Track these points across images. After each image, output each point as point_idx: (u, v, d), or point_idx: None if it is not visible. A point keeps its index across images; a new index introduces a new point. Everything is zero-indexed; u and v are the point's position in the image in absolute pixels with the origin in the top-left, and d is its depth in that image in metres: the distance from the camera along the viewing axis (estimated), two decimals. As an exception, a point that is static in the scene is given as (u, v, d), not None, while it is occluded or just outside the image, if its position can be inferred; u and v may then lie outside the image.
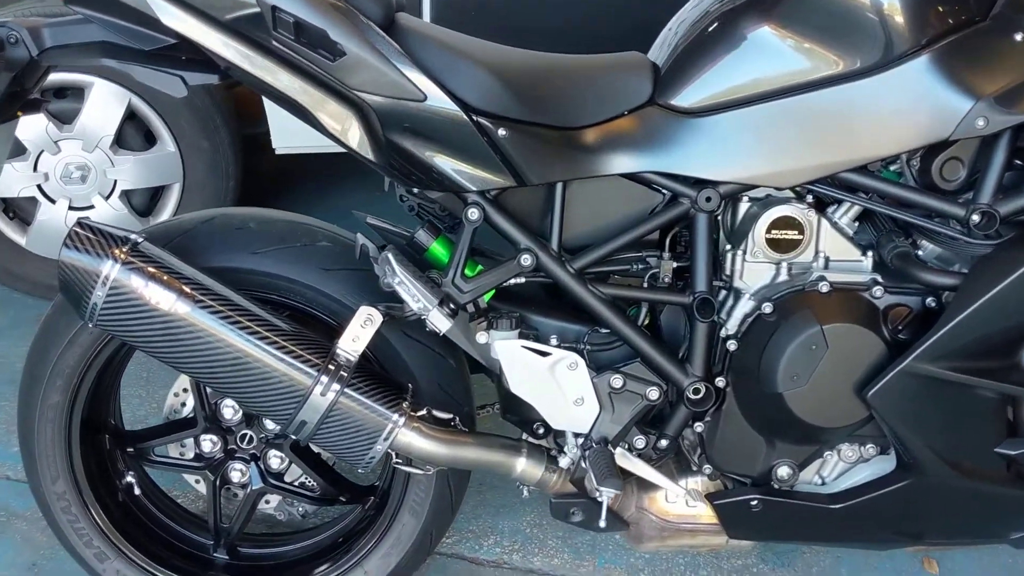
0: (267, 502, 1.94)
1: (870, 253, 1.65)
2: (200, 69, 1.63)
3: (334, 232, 1.80)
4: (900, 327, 1.59)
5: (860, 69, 1.56)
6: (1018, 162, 1.60)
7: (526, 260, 1.61)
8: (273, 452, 1.86)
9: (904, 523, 1.74)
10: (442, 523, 1.89)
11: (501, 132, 1.57)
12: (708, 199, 1.62)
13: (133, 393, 2.70)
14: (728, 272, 1.67)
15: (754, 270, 1.66)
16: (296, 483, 1.90)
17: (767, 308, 1.61)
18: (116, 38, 1.61)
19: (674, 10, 1.87)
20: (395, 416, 1.60)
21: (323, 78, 1.52)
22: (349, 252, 1.76)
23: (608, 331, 1.69)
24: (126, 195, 3.05)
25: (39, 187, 3.00)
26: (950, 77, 1.53)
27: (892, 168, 1.66)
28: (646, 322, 1.74)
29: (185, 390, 1.89)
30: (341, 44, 1.49)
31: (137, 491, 1.91)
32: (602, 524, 1.65)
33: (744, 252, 1.65)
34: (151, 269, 1.54)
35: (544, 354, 1.65)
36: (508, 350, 1.63)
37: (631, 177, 1.65)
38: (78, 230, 1.54)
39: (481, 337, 1.67)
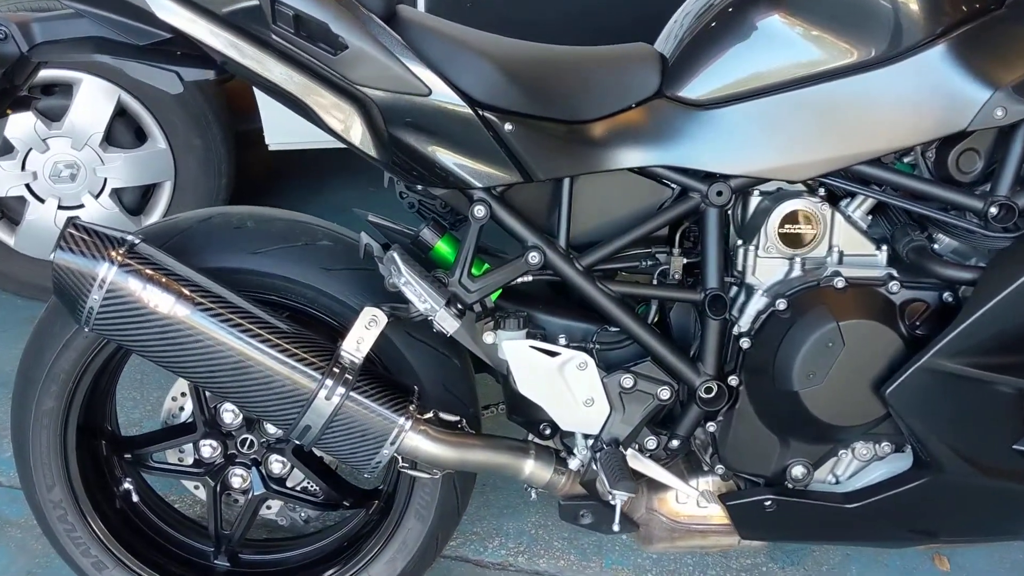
0: (268, 507, 1.89)
1: (884, 247, 1.62)
2: (196, 64, 1.58)
3: (335, 231, 1.75)
4: (917, 323, 1.56)
5: (874, 59, 1.52)
6: (1037, 153, 1.57)
7: (534, 258, 1.57)
8: (275, 457, 1.82)
9: (920, 521, 1.71)
10: (448, 526, 1.85)
11: (507, 127, 1.53)
12: (719, 193, 1.59)
13: (127, 395, 2.65)
14: (740, 268, 1.64)
15: (767, 266, 1.62)
16: (298, 488, 1.86)
17: (781, 305, 1.57)
18: (109, 33, 1.56)
19: (675, 1, 1.84)
20: (401, 419, 1.56)
21: (324, 72, 1.48)
22: (351, 251, 1.72)
23: (617, 330, 1.65)
24: (116, 194, 2.99)
25: (27, 186, 2.94)
26: (967, 66, 1.49)
27: (906, 160, 1.62)
28: (655, 320, 1.70)
29: (183, 394, 1.85)
30: (343, 37, 1.44)
31: (135, 498, 1.86)
32: (615, 528, 1.61)
33: (756, 247, 1.61)
34: (149, 271, 1.49)
35: (553, 354, 1.61)
36: (516, 350, 1.59)
37: (639, 171, 1.61)
38: (72, 231, 1.49)
39: (488, 337, 1.63)
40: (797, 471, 1.68)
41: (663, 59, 1.65)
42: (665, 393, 1.64)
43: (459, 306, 1.54)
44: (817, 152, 1.56)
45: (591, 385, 1.62)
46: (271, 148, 3.13)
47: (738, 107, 1.57)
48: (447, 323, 1.53)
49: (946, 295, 1.58)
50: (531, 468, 1.69)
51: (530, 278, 1.61)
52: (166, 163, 3.00)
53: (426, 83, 1.48)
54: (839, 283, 1.57)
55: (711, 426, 1.67)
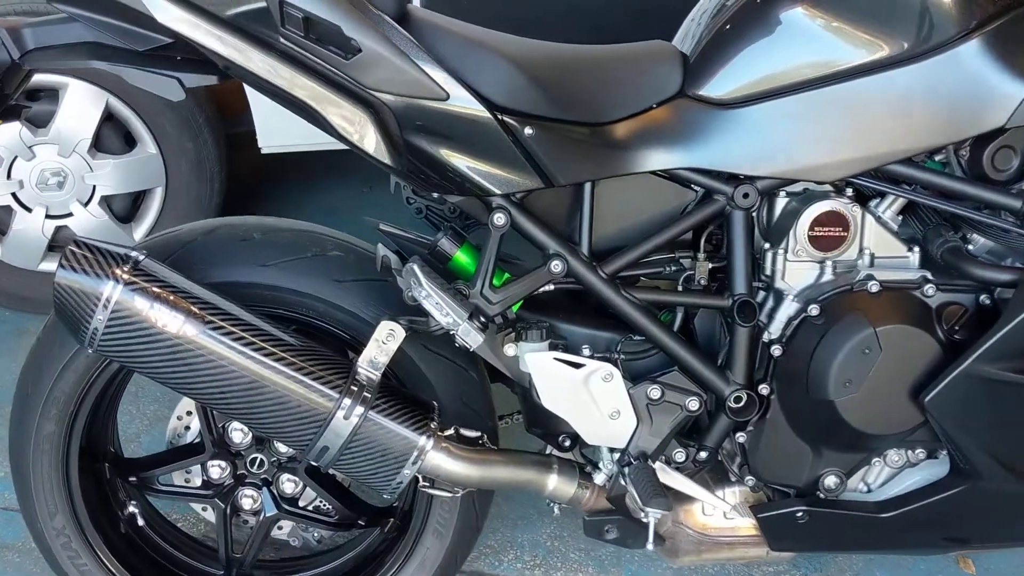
0: (280, 527, 1.83)
1: (916, 249, 1.57)
2: (197, 70, 1.52)
3: (345, 240, 1.68)
4: (956, 327, 1.51)
5: (906, 54, 1.47)
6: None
7: (556, 266, 1.51)
8: (286, 476, 1.75)
9: (955, 529, 1.67)
10: (467, 543, 1.79)
11: (528, 131, 1.46)
12: (745, 195, 1.53)
13: (122, 409, 2.54)
14: (768, 272, 1.58)
15: (797, 270, 1.56)
16: (311, 507, 1.79)
17: (814, 310, 1.52)
18: (104, 38, 1.49)
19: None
20: (423, 438, 1.50)
21: (335, 77, 1.41)
22: (362, 262, 1.65)
23: (642, 338, 1.59)
24: (106, 201, 2.90)
25: (14, 195, 2.84)
26: (1003, 61, 1.45)
27: (937, 158, 1.57)
28: (679, 328, 1.64)
29: (189, 413, 1.78)
30: (356, 40, 1.38)
31: (140, 521, 1.79)
32: (650, 547, 1.55)
33: (785, 251, 1.56)
34: (155, 289, 1.42)
35: (577, 365, 1.54)
36: (539, 363, 1.53)
37: (661, 174, 1.55)
38: (74, 249, 1.42)
39: (509, 349, 1.57)
40: (830, 481, 1.62)
41: (684, 57, 1.59)
42: (694, 404, 1.58)
43: (482, 319, 1.48)
44: (848, 151, 1.50)
45: (617, 397, 1.56)
46: (264, 152, 3.06)
47: (764, 105, 1.52)
48: (470, 337, 1.47)
49: (983, 297, 1.53)
50: (554, 484, 1.63)
51: (551, 287, 1.55)
52: (157, 169, 2.91)
53: (444, 87, 1.41)
54: (873, 287, 1.51)
55: (740, 436, 1.61)
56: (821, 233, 1.54)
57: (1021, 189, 1.49)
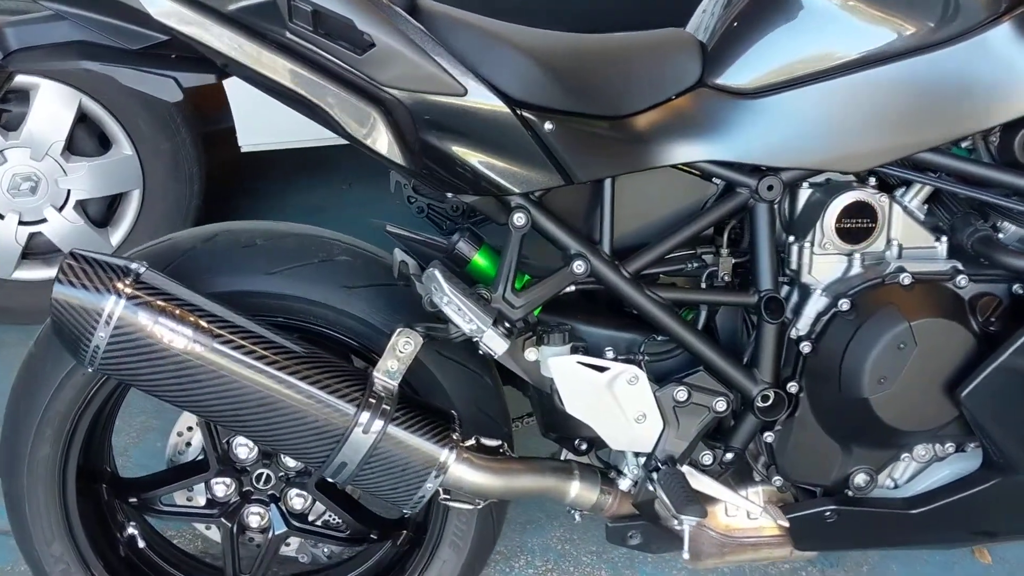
0: (287, 544, 1.75)
1: (944, 238, 1.53)
2: (194, 68, 1.44)
3: (351, 244, 1.61)
4: (992, 319, 1.47)
5: (936, 40, 1.43)
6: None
7: (579, 267, 1.45)
8: (294, 492, 1.67)
9: (984, 523, 1.63)
10: (484, 555, 1.73)
11: (547, 126, 1.40)
12: (770, 187, 1.48)
13: (108, 422, 2.48)
14: (794, 267, 1.53)
15: (824, 263, 1.52)
16: (319, 522, 1.72)
17: (844, 305, 1.47)
18: (94, 37, 1.40)
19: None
20: (445, 450, 1.43)
21: (346, 74, 1.34)
22: (371, 266, 1.58)
23: (665, 339, 1.54)
24: (81, 205, 2.79)
25: (-16, 201, 2.73)
26: None
27: (964, 144, 1.53)
28: (702, 327, 1.59)
29: (190, 428, 1.69)
30: (369, 34, 1.30)
31: (141, 543, 1.71)
32: (686, 556, 1.50)
33: (812, 244, 1.51)
34: (160, 302, 1.34)
35: (601, 369, 1.48)
36: (563, 367, 1.47)
37: (682, 168, 1.50)
38: (71, 262, 1.34)
39: (530, 354, 1.51)
40: (860, 479, 1.58)
41: (702, 46, 1.53)
42: (721, 405, 1.53)
43: (507, 325, 1.42)
44: (877, 140, 1.46)
45: (643, 400, 1.50)
46: (244, 150, 2.96)
47: (788, 94, 1.47)
48: (495, 344, 1.40)
49: (1016, 287, 1.49)
50: (577, 490, 1.58)
51: (572, 288, 1.49)
52: (133, 170, 2.80)
53: (461, 82, 1.35)
54: (906, 279, 1.47)
55: (768, 436, 1.57)
56: (849, 225, 1.50)
57: (1053, 175, 1.46)
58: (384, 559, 1.78)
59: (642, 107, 1.48)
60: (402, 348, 1.43)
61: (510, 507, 2.20)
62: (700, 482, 1.54)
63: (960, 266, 1.50)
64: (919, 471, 1.63)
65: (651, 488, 1.51)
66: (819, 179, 1.54)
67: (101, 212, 2.85)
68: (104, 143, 2.78)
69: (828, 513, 1.60)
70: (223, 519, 1.66)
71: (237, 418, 1.39)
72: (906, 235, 1.52)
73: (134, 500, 1.67)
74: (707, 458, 1.57)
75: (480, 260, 1.50)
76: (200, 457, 1.67)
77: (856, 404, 1.48)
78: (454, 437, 1.45)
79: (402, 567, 1.72)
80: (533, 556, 2.10)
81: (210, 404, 1.38)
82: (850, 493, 1.60)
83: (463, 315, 1.38)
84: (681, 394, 1.52)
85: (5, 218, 2.74)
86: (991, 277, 1.49)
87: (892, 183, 1.55)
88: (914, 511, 1.59)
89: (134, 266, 1.36)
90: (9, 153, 2.68)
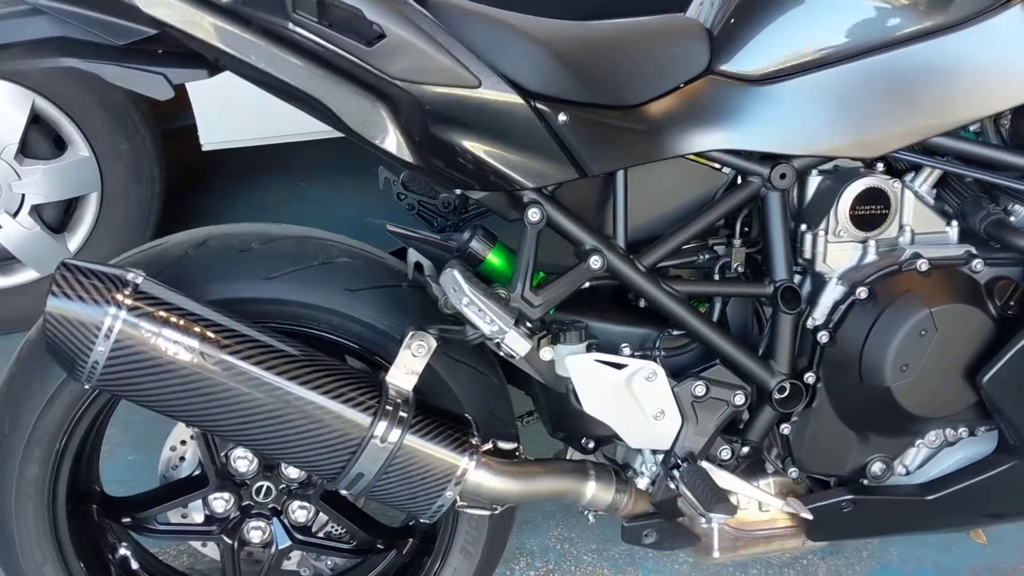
0: (288, 558, 1.68)
1: (955, 223, 1.52)
2: (184, 64, 1.35)
3: (349, 245, 1.55)
4: (1010, 302, 1.46)
5: (950, 22, 1.41)
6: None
7: (596, 262, 1.41)
8: (296, 504, 1.60)
9: (995, 506, 1.63)
10: (495, 559, 1.68)
11: (561, 118, 1.36)
12: (783, 176, 1.46)
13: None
14: (808, 256, 1.51)
15: (839, 251, 1.50)
16: (322, 534, 1.66)
17: (862, 293, 1.45)
18: (75, 32, 1.32)
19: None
20: (465, 457, 1.38)
21: (352, 67, 1.27)
22: (372, 268, 1.52)
23: (680, 333, 1.51)
24: (36, 210, 2.67)
25: (-65, 210, 2.60)
26: None
27: (972, 128, 1.52)
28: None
29: (183, 442, 1.61)
30: (379, 25, 1.24)
31: (135, 565, 1.62)
32: (716, 554, 1.47)
33: (826, 232, 1.49)
34: (162, 312, 1.27)
35: (619, 366, 1.44)
36: (581, 366, 1.43)
37: (693, 158, 1.46)
38: (65, 273, 1.26)
39: (546, 353, 1.46)
40: (876, 467, 1.57)
41: (708, 32, 1.50)
42: (740, 398, 1.50)
43: (528, 324, 1.37)
44: (890, 126, 1.44)
45: (662, 396, 1.46)
46: (205, 149, 2.87)
47: (799, 80, 1.45)
48: (518, 345, 1.35)
49: (1029, 269, 1.49)
50: (593, 490, 1.53)
51: (587, 285, 1.45)
52: (91, 173, 2.70)
53: (476, 73, 1.29)
54: (923, 266, 1.46)
55: (784, 428, 1.54)
56: (863, 212, 1.48)
57: (1065, 157, 1.45)
58: (388, 569, 1.72)
59: (652, 96, 1.44)
60: (416, 352, 1.38)
61: (506, 508, 2.17)
62: (722, 478, 1.50)
63: (974, 250, 1.49)
64: (929, 457, 1.62)
65: (672, 486, 1.47)
66: (827, 166, 1.52)
67: (58, 217, 2.75)
68: (60, 145, 2.67)
69: (845, 503, 1.58)
70: (223, 536, 1.59)
71: (246, 431, 1.32)
72: (918, 221, 1.51)
73: (127, 520, 1.58)
74: (725, 453, 1.54)
75: (494, 259, 1.45)
76: (197, 472, 1.59)
77: (877, 392, 1.46)
78: (473, 442, 1.40)
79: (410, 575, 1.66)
80: (533, 558, 2.06)
81: (217, 417, 1.31)
82: (866, 482, 1.58)
83: (484, 316, 1.33)
84: (699, 389, 1.48)
85: (-43, 226, 2.62)
86: (1005, 260, 1.49)
87: (901, 168, 1.53)
88: (929, 497, 1.58)
89: (131, 275, 1.28)
90: (-41, 158, 2.56)
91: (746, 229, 1.54)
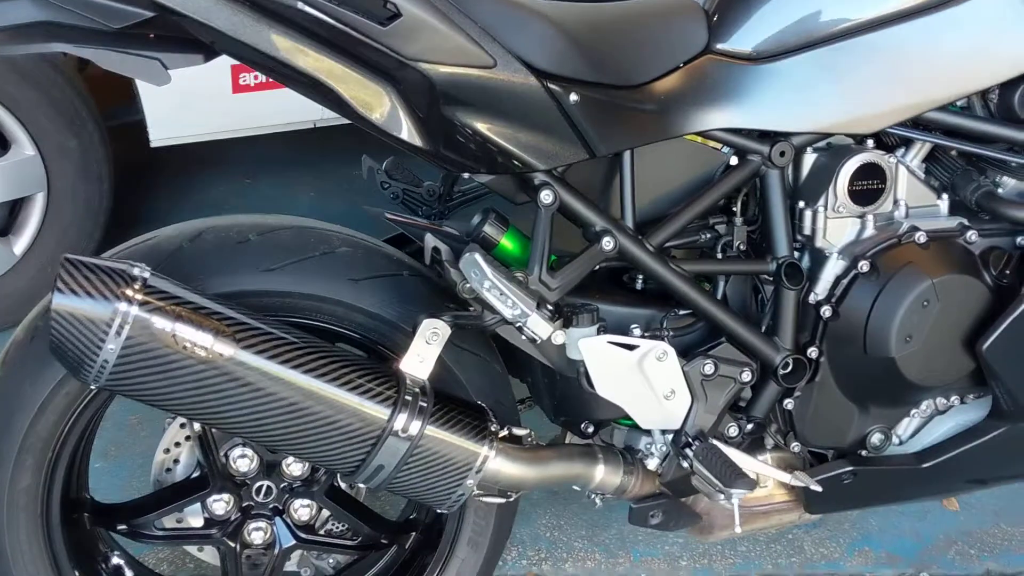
0: (288, 559, 1.63)
1: (945, 196, 1.55)
2: (179, 48, 1.31)
3: (349, 234, 1.51)
4: (1006, 271, 1.50)
5: None
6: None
7: (608, 243, 1.40)
8: (299, 502, 1.56)
9: (982, 470, 1.68)
10: (501, 548, 1.66)
11: (572, 97, 1.35)
12: (782, 153, 1.47)
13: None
14: (808, 232, 1.53)
15: (838, 226, 1.52)
16: (324, 531, 1.62)
17: (864, 266, 1.48)
18: (63, 16, 1.26)
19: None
20: (485, 445, 1.36)
21: (364, 48, 1.24)
22: (373, 256, 1.49)
23: (687, 312, 1.51)
24: (-22, 213, 2.56)
25: None
26: None
27: (959, 102, 1.55)
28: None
29: (177, 444, 1.55)
30: (394, 4, 1.21)
31: (129, 574, 1.56)
32: (738, 530, 1.48)
33: (825, 207, 1.51)
34: (174, 307, 1.22)
35: (630, 347, 1.44)
36: (595, 348, 1.42)
37: (693, 137, 1.47)
38: (69, 269, 1.20)
39: (558, 337, 1.44)
40: (876, 438, 1.60)
41: (704, 11, 1.50)
42: (746, 375, 1.51)
43: (549, 307, 1.35)
44: (887, 101, 1.47)
45: (672, 376, 1.46)
46: (154, 145, 2.78)
47: (796, 58, 1.46)
48: (540, 328, 1.34)
49: (1020, 239, 1.53)
50: (602, 474, 1.53)
51: (597, 266, 1.44)
52: (36, 172, 2.58)
53: (491, 53, 1.27)
54: (921, 238, 1.49)
55: (788, 403, 1.56)
56: (860, 187, 1.50)
57: (1051, 128, 1.50)
58: (390, 566, 1.68)
59: (655, 75, 1.44)
60: (429, 339, 1.35)
61: (491, 498, 2.15)
62: (732, 455, 1.51)
63: (967, 222, 1.53)
64: (921, 427, 1.66)
65: (685, 465, 1.48)
66: (821, 144, 1.54)
67: (2, 219, 2.62)
68: (2, 144, 2.55)
69: (846, 475, 1.61)
70: (224, 538, 1.54)
71: (262, 427, 1.28)
72: (911, 194, 1.54)
73: (123, 527, 1.52)
74: (732, 430, 1.54)
75: (507, 243, 1.43)
76: (195, 474, 1.54)
77: (882, 364, 1.49)
78: (492, 429, 1.38)
79: (417, 570, 1.63)
80: (524, 547, 2.05)
81: (232, 414, 1.27)
82: (864, 453, 1.61)
83: (506, 300, 1.31)
84: (708, 367, 1.49)
85: None
86: (996, 231, 1.53)
87: (891, 143, 1.56)
88: (924, 465, 1.62)
89: (137, 270, 1.23)
90: None
91: (744, 208, 1.56)
